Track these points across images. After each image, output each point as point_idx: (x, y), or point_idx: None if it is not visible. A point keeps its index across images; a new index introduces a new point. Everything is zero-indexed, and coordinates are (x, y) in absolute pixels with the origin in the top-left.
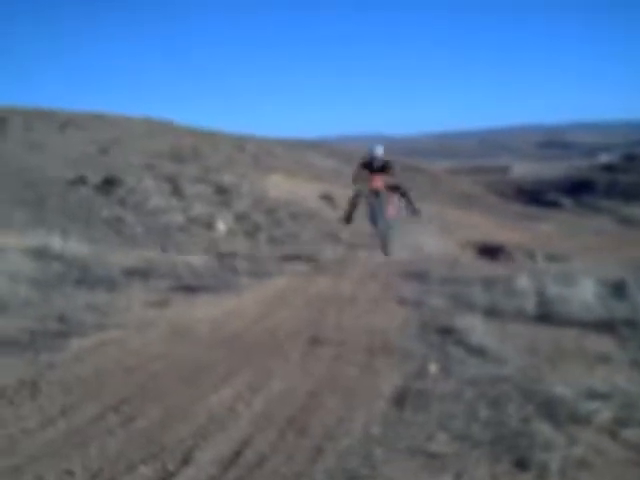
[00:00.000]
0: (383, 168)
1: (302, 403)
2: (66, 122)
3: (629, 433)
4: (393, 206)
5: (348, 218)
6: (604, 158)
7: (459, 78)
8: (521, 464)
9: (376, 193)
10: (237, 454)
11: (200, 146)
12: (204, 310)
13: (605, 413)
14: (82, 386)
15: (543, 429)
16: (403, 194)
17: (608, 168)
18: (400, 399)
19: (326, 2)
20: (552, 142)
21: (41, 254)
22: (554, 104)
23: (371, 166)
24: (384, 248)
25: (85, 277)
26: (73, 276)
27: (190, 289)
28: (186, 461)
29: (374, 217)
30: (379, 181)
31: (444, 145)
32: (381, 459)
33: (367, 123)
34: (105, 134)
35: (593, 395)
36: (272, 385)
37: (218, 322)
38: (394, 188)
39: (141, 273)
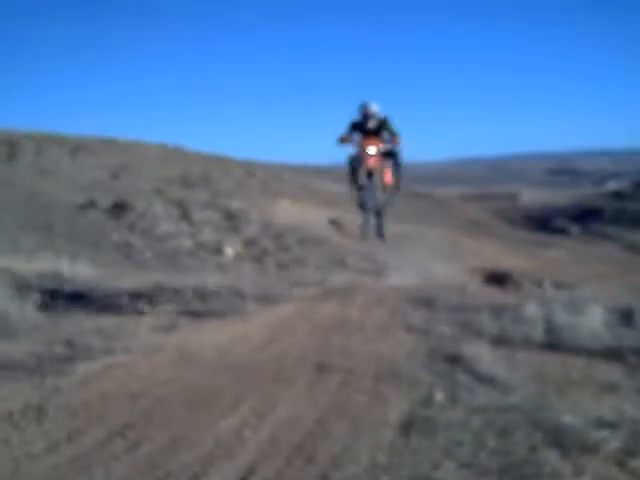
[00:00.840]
0: (379, 129)
1: (309, 430)
2: (77, 147)
3: (637, 463)
4: (388, 174)
5: (358, 185)
6: (613, 185)
7: (469, 105)
8: None
9: (369, 173)
10: None
11: (210, 172)
12: (211, 335)
13: (613, 442)
14: (88, 411)
15: (551, 458)
16: (396, 165)
17: (617, 195)
18: (407, 427)
19: (339, 24)
20: (562, 169)
21: (50, 278)
22: (564, 131)
23: (363, 127)
24: (378, 230)
25: (93, 301)
26: (81, 300)
27: (197, 314)
28: None
29: (364, 203)
30: (373, 156)
31: (454, 172)
32: None
33: None
34: (116, 159)
35: (601, 424)
36: (279, 412)
37: (225, 347)
38: (389, 154)
39: (149, 298)
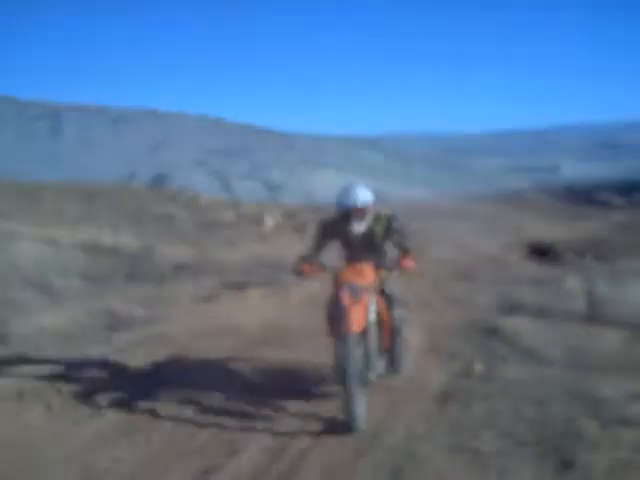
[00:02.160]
0: (372, 239)
1: None
2: (119, 118)
3: None
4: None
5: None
6: None
7: (516, 77)
8: (566, 464)
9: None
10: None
11: (251, 143)
12: (251, 305)
13: None
14: None
15: (589, 429)
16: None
17: None
18: (446, 397)
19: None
20: (606, 142)
21: (92, 248)
22: (609, 104)
23: (345, 234)
24: (391, 360)
25: (135, 271)
26: (123, 270)
27: (238, 285)
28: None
29: (344, 367)
30: (361, 301)
31: (496, 144)
32: (426, 455)
33: (419, 121)
34: (158, 131)
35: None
36: None
37: (265, 317)
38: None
39: (190, 269)
